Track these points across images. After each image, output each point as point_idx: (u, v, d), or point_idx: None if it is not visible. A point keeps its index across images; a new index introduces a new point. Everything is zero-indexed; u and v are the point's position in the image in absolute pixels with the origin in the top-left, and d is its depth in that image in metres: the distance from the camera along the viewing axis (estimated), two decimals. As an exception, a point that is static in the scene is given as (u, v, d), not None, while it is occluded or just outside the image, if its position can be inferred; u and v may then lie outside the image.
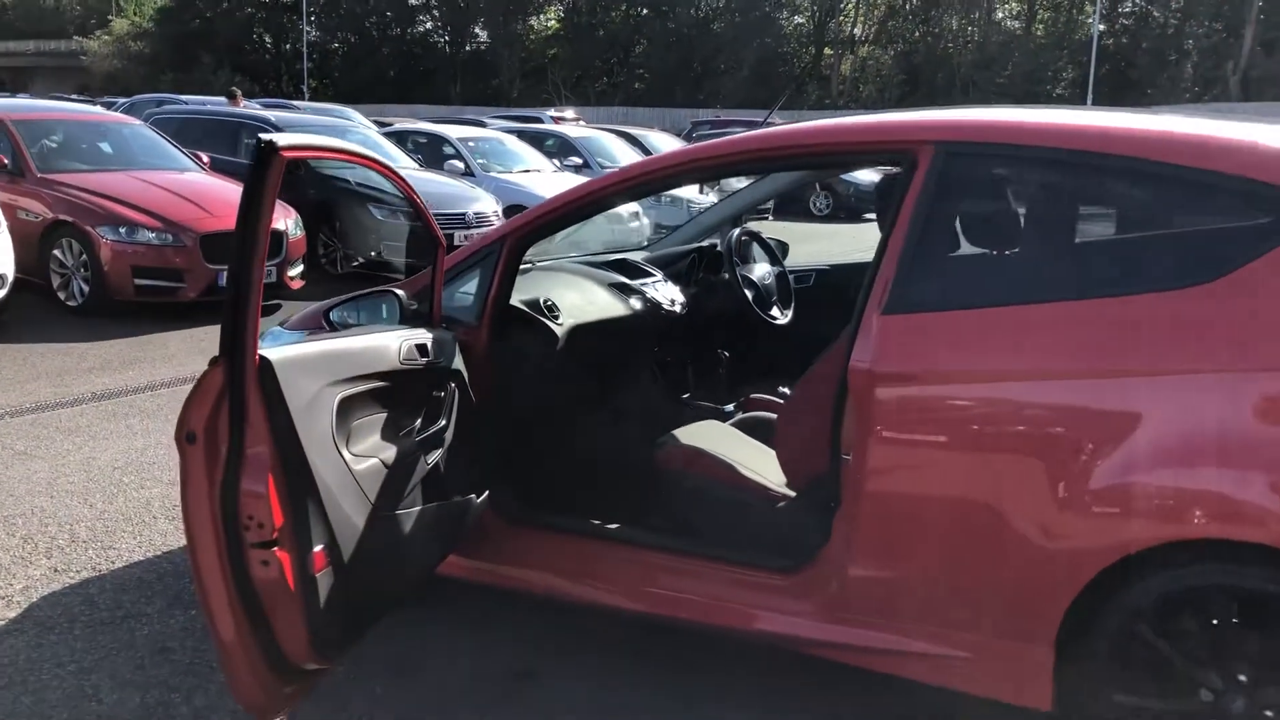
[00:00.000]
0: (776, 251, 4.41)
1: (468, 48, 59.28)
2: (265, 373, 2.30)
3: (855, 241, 14.79)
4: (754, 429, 3.69)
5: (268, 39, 61.66)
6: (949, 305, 2.71)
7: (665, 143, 18.37)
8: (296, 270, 9.18)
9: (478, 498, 3.21)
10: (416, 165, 12.43)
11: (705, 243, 4.50)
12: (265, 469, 2.29)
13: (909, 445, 2.72)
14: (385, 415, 2.77)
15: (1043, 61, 45.82)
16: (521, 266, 3.51)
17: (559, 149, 16.06)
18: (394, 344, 2.84)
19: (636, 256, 4.31)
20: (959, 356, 2.67)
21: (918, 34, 51.78)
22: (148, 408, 5.97)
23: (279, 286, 8.78)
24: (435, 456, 2.92)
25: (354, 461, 2.55)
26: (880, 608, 2.81)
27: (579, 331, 3.58)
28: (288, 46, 60.26)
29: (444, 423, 2.98)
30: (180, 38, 55.81)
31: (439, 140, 14.24)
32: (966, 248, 2.84)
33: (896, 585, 2.78)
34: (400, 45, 59.85)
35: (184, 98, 21.40)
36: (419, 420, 2.93)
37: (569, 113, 27.94)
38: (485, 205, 11.57)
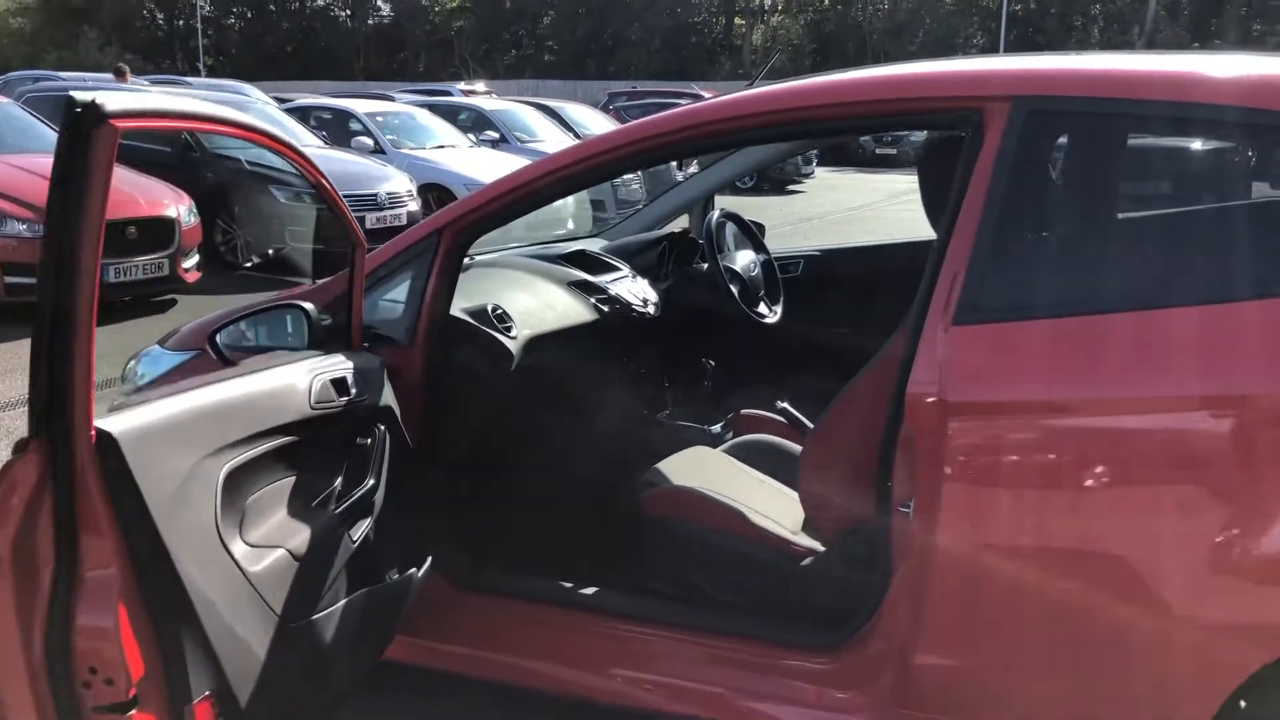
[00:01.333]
0: (759, 235, 3.73)
1: (370, 21, 57.61)
2: (107, 454, 1.55)
3: (786, 213, 14.27)
4: (752, 455, 3.01)
5: (159, 15, 59.17)
6: (1049, 311, 2.05)
7: (585, 116, 17.55)
8: (192, 261, 8.35)
9: (419, 569, 2.48)
10: (321, 143, 11.50)
11: (676, 228, 3.79)
12: (113, 597, 1.54)
13: (1000, 496, 2.06)
14: (292, 482, 2.04)
15: (953, 27, 45.83)
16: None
17: (474, 123, 15.17)
18: (302, 381, 2.11)
19: (595, 246, 3.60)
20: (1068, 379, 2.01)
21: (828, 2, 51.45)
22: (20, 428, 5.09)
23: (174, 280, 8.06)
24: (363, 528, 2.20)
25: (249, 559, 1.82)
26: (957, 704, 2.16)
27: (537, 344, 2.87)
28: (180, 23, 57.88)
29: (372, 481, 2.25)
30: (63, 13, 53.16)
31: (344, 115, 13.28)
32: (1063, 234, 2.18)
33: (981, 676, 2.14)
34: (300, 20, 57.94)
35: (63, 75, 19.97)
36: (339, 481, 2.20)
37: (480, 86, 26.96)
38: (398, 184, 10.75)
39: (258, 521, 1.90)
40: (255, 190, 9.59)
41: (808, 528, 2.73)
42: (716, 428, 3.32)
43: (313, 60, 54.06)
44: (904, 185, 20.94)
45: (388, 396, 2.43)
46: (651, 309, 3.34)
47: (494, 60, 52.54)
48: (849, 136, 4.81)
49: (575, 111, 17.60)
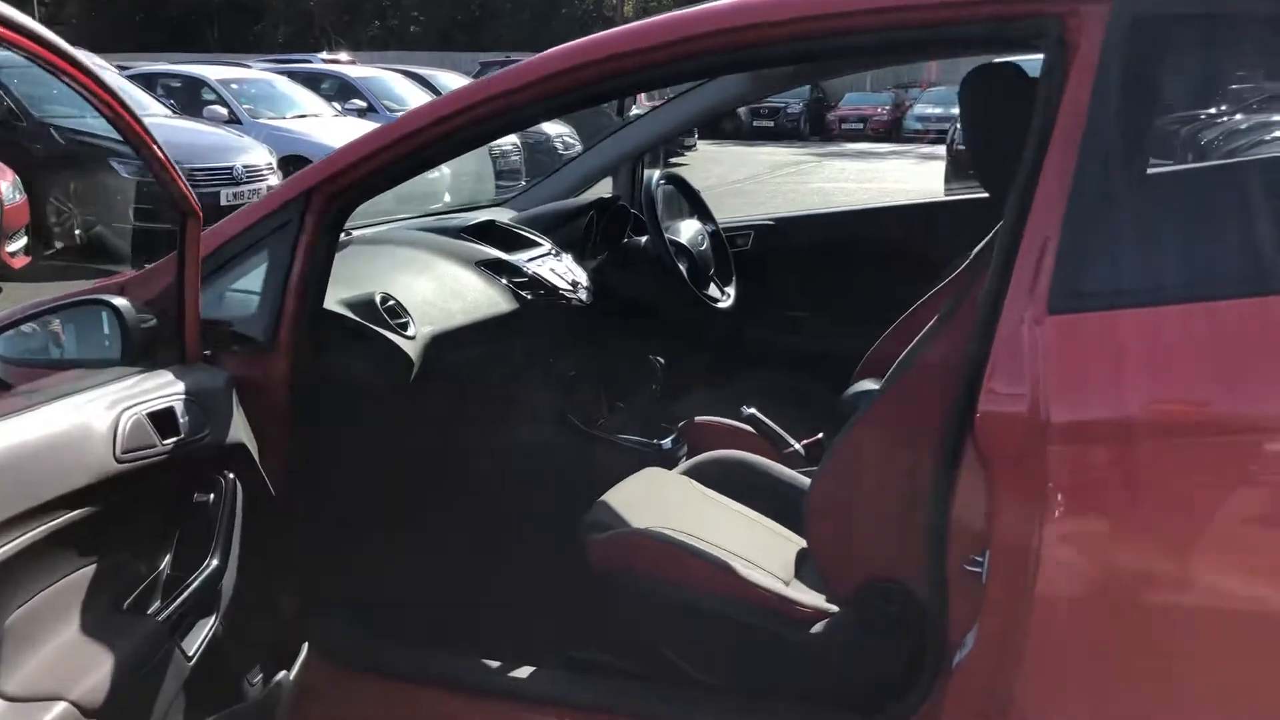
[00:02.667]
0: (703, 202, 3.07)
1: (224, -10, 55.05)
2: None
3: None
4: (717, 476, 2.37)
5: (-10, -18, 55.46)
6: (1192, 291, 1.46)
7: (458, 84, 16.64)
8: (18, 245, 7.45)
9: (290, 668, 1.78)
10: (170, 112, 10.43)
11: (603, 194, 3.11)
12: None
13: (1138, 547, 1.47)
14: (85, 580, 1.32)
15: None
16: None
17: (338, 91, 14.19)
18: (102, 420, 1.39)
19: (505, 216, 2.90)
20: (1228, 387, 1.43)
21: (700, -27, 51.02)
22: None
23: (-5, 266, 7.03)
24: (204, 634, 1.49)
25: None
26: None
27: (441, 344, 2.18)
28: (15, -10, 54.37)
29: (216, 561, 1.54)
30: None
31: (196, 83, 12.19)
32: (1201, 185, 1.59)
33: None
34: (147, -12, 55.00)
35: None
36: (164, 565, 1.48)
37: (343, 56, 25.66)
38: (257, 156, 9.82)
39: (22, 656, 1.18)
40: (93, 164, 8.57)
41: (804, 573, 2.12)
42: (668, 442, 2.67)
43: (162, 31, 51.34)
44: (785, 158, 20.68)
45: (239, 427, 1.72)
46: (581, 294, 2.67)
47: (357, 31, 50.68)
48: (858, 63, 3.67)
49: (448, 79, 16.69)
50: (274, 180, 9.75)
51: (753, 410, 2.57)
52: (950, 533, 1.63)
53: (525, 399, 2.57)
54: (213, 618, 1.52)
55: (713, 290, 2.89)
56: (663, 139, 3.29)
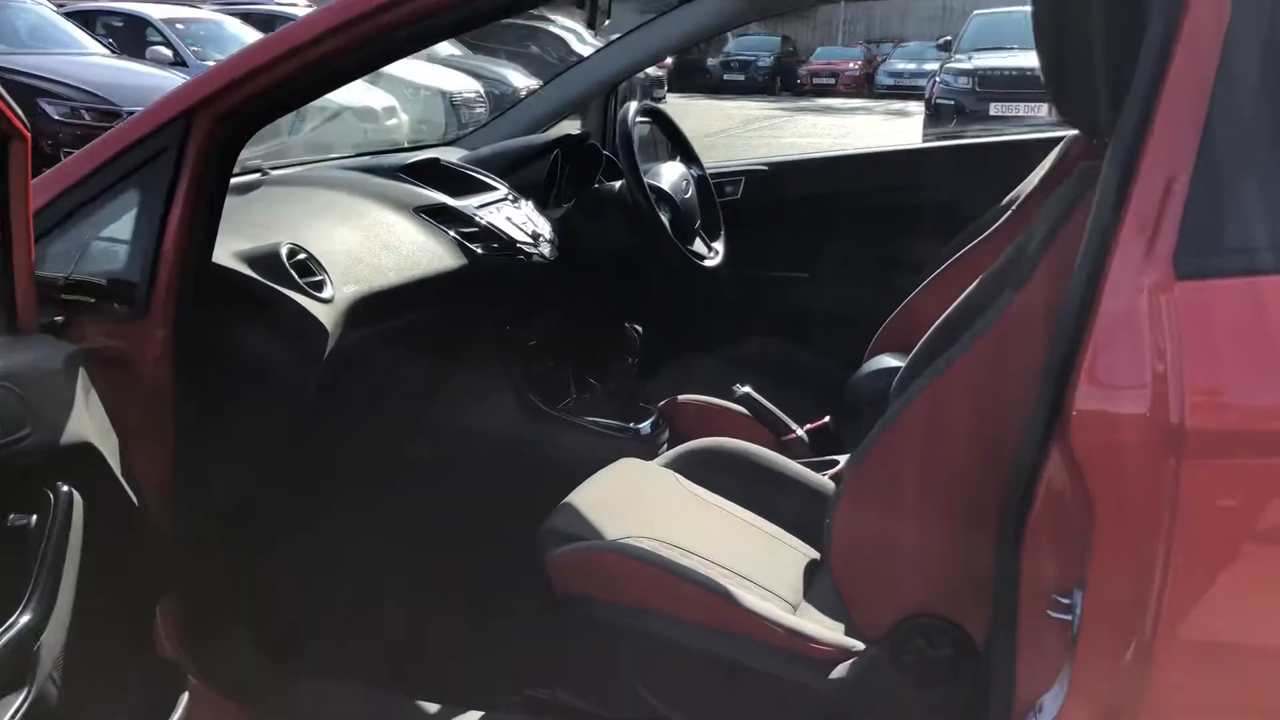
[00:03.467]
0: (687, 141, 2.63)
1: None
2: None
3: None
4: (707, 469, 1.96)
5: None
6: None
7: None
8: None
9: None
10: (108, 52, 9.82)
11: (570, 131, 2.66)
12: None
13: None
14: None
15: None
16: (238, 178, 1.68)
17: (293, 35, 13.51)
18: None
19: (454, 156, 2.46)
20: None
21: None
22: None
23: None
24: (9, 714, 1.07)
25: None
26: None
27: (368, 310, 1.76)
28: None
29: (31, 613, 1.12)
30: None
31: (139, 23, 11.49)
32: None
33: None
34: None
35: None
36: None
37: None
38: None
39: None
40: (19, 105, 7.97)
41: (815, 592, 1.73)
42: (647, 426, 2.25)
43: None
44: (756, 112, 20.22)
45: (83, 421, 1.29)
46: (544, 248, 2.24)
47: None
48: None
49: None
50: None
51: (747, 389, 2.16)
52: (1025, 563, 1.24)
53: (474, 376, 2.15)
54: (24, 692, 1.10)
55: (699, 246, 2.47)
56: (639, 67, 2.85)
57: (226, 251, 1.59)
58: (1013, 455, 1.24)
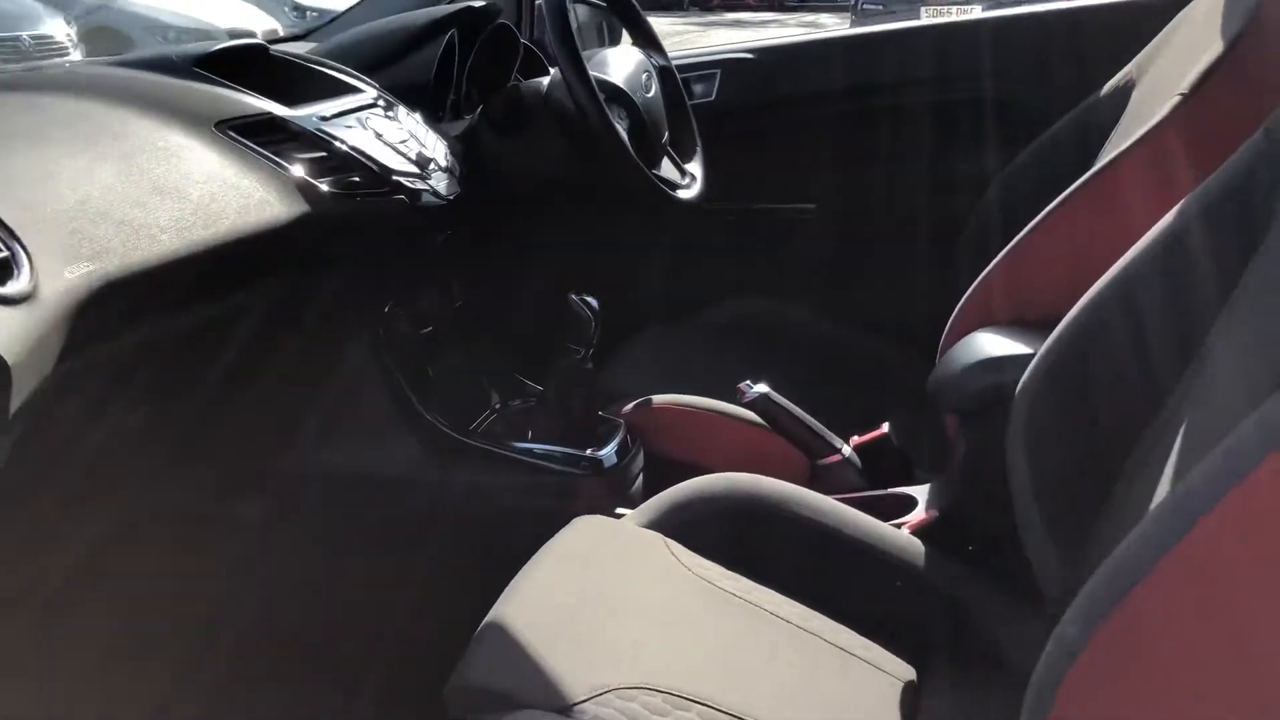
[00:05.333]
0: (645, 21, 1.82)
1: None
2: None
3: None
4: (718, 531, 1.19)
5: None
6: None
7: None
8: None
9: None
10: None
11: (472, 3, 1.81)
12: None
13: None
14: None
15: None
16: None
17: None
18: None
19: (302, 48, 1.63)
20: None
21: None
22: None
23: None
24: None
25: None
26: None
27: (118, 307, 0.96)
28: None
29: None
30: None
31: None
32: None
33: None
34: None
35: None
36: None
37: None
38: (54, 27, 8.09)
39: None
40: None
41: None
42: (609, 450, 1.46)
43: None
44: (666, 27, 19.31)
45: None
46: (438, 181, 1.43)
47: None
48: None
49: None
50: (77, 55, 8.07)
51: (762, 387, 1.40)
52: None
53: (332, 390, 1.36)
54: None
55: (668, 170, 1.69)
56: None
57: None
58: None
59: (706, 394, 1.52)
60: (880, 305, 1.76)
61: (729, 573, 1.12)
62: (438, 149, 1.50)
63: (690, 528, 1.18)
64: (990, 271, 1.31)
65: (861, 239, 1.91)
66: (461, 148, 1.56)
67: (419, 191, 1.39)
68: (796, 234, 1.95)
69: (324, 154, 1.29)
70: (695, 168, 1.74)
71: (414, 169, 1.40)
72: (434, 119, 1.59)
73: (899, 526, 1.26)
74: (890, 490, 1.36)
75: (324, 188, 1.24)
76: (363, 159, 1.33)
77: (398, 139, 1.42)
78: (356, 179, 1.30)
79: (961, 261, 1.53)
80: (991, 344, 1.24)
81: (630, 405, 1.54)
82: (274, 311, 1.23)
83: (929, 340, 1.36)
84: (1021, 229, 1.28)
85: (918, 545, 1.19)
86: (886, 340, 1.72)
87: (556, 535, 1.13)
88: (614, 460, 1.43)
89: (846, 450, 1.39)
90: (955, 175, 1.80)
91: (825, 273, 1.90)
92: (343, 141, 1.32)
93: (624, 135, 1.50)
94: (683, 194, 1.64)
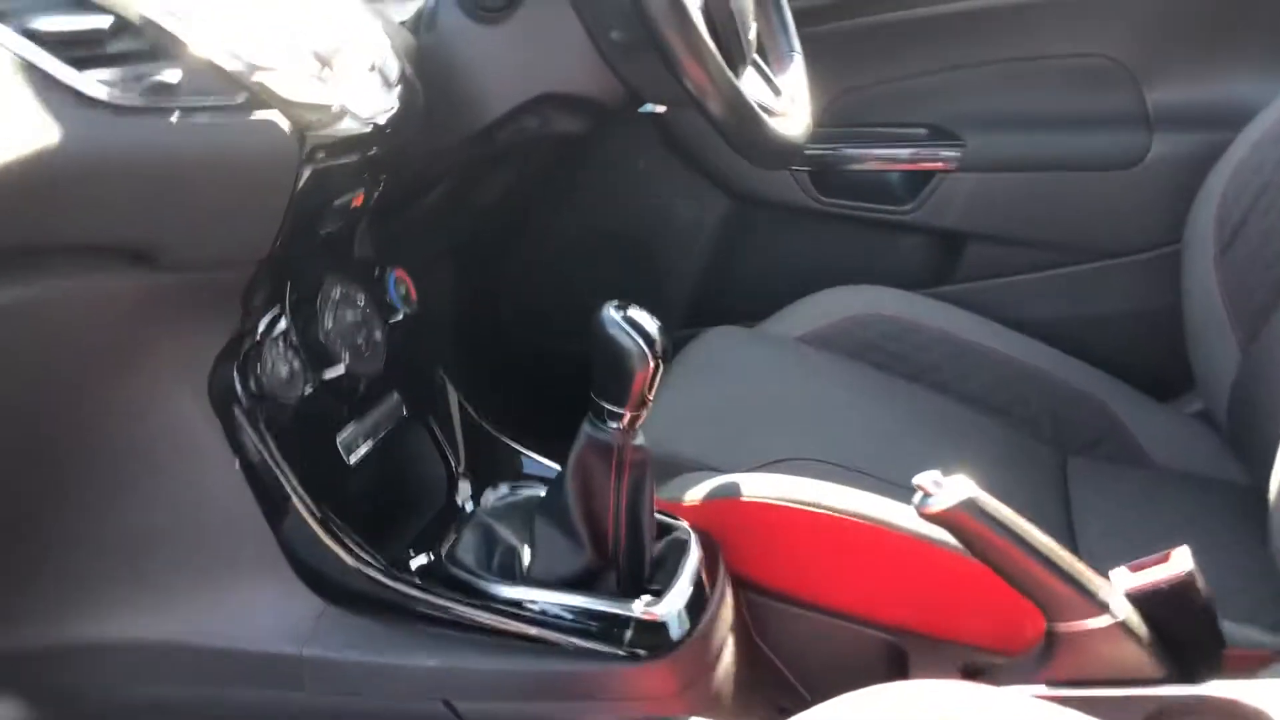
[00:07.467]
0: None
1: None
2: None
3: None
4: None
5: None
6: None
7: None
8: None
9: None
10: None
11: None
12: None
13: None
14: None
15: None
16: None
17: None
18: None
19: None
20: None
21: None
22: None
23: None
24: None
25: None
26: None
27: None
28: None
29: None
30: None
31: None
32: None
33: None
34: None
35: None
36: None
37: None
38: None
39: None
40: None
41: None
42: (674, 607, 0.77)
43: None
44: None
45: None
46: (361, 98, 0.77)
47: None
48: None
49: None
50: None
51: (963, 484, 0.74)
52: None
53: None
54: None
55: (754, 84, 1.03)
56: None
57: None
58: None
59: (830, 456, 0.90)
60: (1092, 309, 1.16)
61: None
62: (390, 64, 0.83)
63: None
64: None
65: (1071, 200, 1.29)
66: (410, 41, 0.90)
67: (323, 108, 0.73)
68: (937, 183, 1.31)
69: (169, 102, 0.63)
70: (795, 82, 1.07)
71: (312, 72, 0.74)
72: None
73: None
74: (1205, 687, 0.71)
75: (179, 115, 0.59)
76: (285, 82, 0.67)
77: (285, 22, 0.76)
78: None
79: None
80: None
81: (697, 491, 0.88)
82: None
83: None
84: None
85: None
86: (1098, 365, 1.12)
87: None
88: (683, 625, 0.76)
89: (1121, 609, 0.74)
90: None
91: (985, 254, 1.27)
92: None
93: (699, 21, 0.84)
94: (777, 125, 0.97)
